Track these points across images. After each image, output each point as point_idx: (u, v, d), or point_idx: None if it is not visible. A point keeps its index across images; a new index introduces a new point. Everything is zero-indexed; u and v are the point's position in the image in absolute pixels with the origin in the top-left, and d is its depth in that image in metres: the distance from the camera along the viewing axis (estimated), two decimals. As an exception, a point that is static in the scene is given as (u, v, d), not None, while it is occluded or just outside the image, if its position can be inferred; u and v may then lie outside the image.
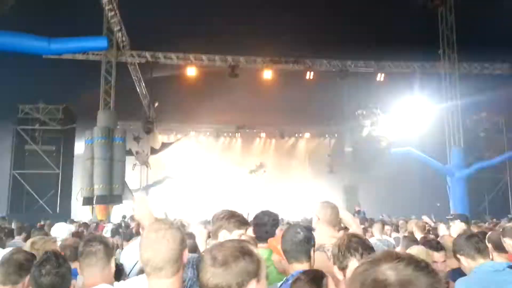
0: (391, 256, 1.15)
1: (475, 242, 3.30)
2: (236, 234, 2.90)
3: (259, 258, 1.68)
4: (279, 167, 30.64)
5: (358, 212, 14.81)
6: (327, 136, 30.11)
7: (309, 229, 2.77)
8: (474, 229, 5.90)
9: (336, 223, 3.73)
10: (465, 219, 6.46)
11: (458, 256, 3.36)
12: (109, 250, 2.65)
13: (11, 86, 19.06)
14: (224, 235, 2.87)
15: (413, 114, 21.89)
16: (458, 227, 6.12)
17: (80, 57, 19.79)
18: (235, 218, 2.98)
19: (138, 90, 23.33)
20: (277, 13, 21.93)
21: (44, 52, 10.44)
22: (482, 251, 3.26)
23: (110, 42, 18.26)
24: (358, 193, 28.41)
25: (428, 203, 21.24)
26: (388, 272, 1.10)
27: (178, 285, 1.93)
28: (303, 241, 2.67)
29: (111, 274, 2.61)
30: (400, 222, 9.38)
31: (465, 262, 3.30)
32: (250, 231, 3.31)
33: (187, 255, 2.00)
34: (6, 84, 18.27)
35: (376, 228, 5.93)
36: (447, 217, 11.97)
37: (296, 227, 2.77)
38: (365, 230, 5.80)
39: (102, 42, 10.96)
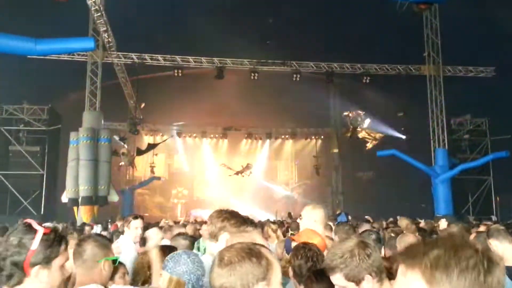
0: None
1: None
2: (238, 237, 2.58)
3: (270, 262, 1.63)
4: (266, 169, 30.76)
5: (339, 214, 14.79)
6: (313, 137, 30.25)
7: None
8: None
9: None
10: (452, 219, 7.41)
11: None
12: (99, 250, 2.66)
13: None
14: (225, 237, 2.63)
15: (398, 116, 22.16)
16: (444, 225, 7.49)
17: (65, 57, 19.63)
18: (235, 219, 2.69)
19: (124, 91, 23.22)
20: (262, 17, 22.08)
21: (30, 52, 10.34)
22: None
23: (97, 43, 18.11)
24: (344, 194, 28.66)
25: (413, 204, 21.54)
26: None
27: None
28: None
29: (103, 274, 2.62)
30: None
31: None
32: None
33: None
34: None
35: (363, 228, 5.96)
36: (436, 215, 12.39)
37: None
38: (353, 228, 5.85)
39: (89, 43, 10.90)
